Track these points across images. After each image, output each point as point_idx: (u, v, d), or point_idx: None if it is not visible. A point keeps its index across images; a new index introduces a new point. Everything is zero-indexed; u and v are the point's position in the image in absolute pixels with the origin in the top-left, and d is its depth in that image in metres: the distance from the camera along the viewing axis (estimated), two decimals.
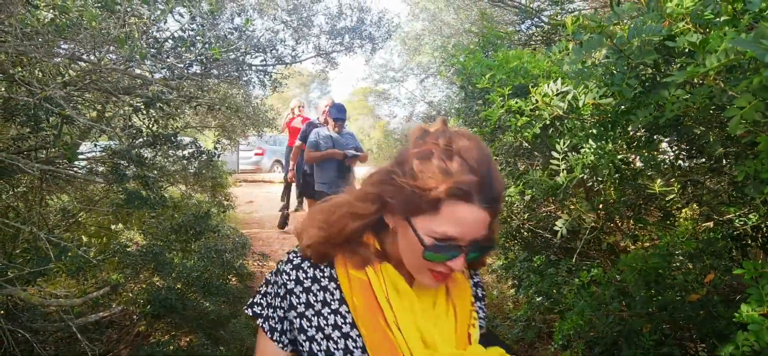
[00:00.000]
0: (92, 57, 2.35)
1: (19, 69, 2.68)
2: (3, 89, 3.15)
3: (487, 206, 0.91)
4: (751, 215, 1.98)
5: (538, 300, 2.73)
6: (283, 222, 7.85)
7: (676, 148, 2.25)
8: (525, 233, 3.39)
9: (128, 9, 2.13)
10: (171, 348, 3.60)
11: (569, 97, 1.88)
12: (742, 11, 1.37)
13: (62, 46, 2.51)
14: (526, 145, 2.67)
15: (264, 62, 4.27)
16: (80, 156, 4.20)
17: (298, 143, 6.55)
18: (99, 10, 2.21)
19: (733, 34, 1.12)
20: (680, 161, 2.25)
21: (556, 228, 2.45)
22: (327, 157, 5.36)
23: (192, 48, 2.66)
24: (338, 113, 5.48)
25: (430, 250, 0.92)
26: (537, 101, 1.93)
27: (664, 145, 2.40)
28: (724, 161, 2.08)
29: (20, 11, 2.13)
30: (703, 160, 2.14)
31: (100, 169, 4.18)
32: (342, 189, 1.09)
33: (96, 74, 2.40)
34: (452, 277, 1.04)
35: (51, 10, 2.32)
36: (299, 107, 8.93)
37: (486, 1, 5.41)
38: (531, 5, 4.29)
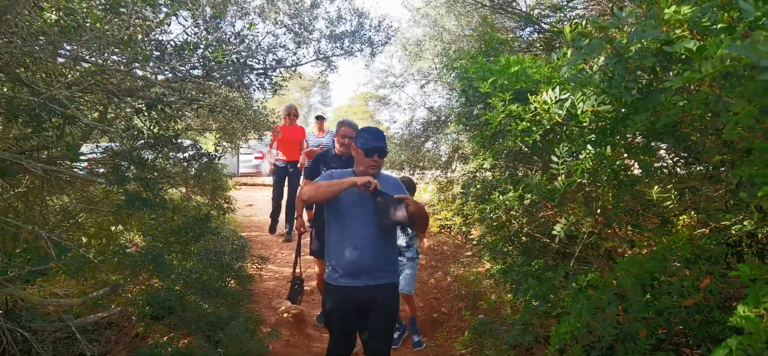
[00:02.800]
0: (98, 59, 2.38)
1: (23, 70, 2.70)
2: (6, 89, 3.17)
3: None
4: (746, 222, 2.00)
5: (535, 304, 2.74)
6: (295, 294, 4.79)
7: (673, 155, 2.27)
8: (523, 239, 3.41)
9: (133, 10, 2.16)
10: (169, 349, 3.61)
11: (567, 104, 1.90)
12: (738, 20, 1.40)
13: (67, 48, 2.54)
14: (526, 150, 2.70)
15: (265, 66, 4.30)
16: (81, 157, 4.22)
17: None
18: (103, 13, 2.23)
19: (729, 42, 1.15)
20: (678, 168, 2.27)
21: (554, 233, 2.48)
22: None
23: (195, 51, 2.68)
24: (368, 141, 2.90)
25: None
26: (536, 108, 1.96)
27: (662, 153, 2.42)
28: (721, 169, 2.11)
29: (26, 13, 2.15)
30: (700, 167, 2.16)
31: (101, 170, 4.19)
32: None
33: (100, 75, 2.42)
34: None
35: (56, 12, 2.35)
36: (288, 115, 7.35)
37: (487, 7, 5.44)
38: (532, 12, 4.33)
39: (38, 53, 2.31)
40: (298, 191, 4.71)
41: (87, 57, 2.36)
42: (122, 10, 2.13)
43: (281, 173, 7.58)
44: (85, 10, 2.03)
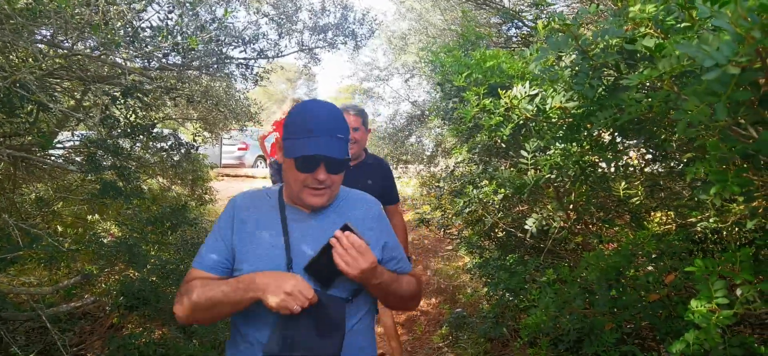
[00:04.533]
0: (71, 43, 2.33)
1: None
2: None
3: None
4: (711, 219, 2.03)
5: (507, 297, 2.76)
6: None
7: (644, 152, 2.30)
8: (500, 233, 3.44)
9: None
10: (144, 340, 3.58)
11: (537, 100, 1.92)
12: (700, 19, 1.41)
13: (42, 32, 2.49)
14: (502, 144, 2.71)
15: (245, 55, 4.26)
16: (58, 145, 4.15)
17: None
18: None
19: (681, 41, 1.16)
20: (644, 166, 2.29)
21: (525, 227, 2.50)
22: None
23: (169, 37, 2.65)
24: (302, 138, 1.43)
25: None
26: (506, 103, 1.97)
27: (631, 151, 2.45)
28: (684, 166, 2.14)
29: None
30: (664, 164, 2.19)
31: (77, 158, 4.13)
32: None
33: (68, 60, 2.38)
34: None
35: None
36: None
37: (472, 2, 5.45)
38: (516, 8, 4.34)
39: (6, 37, 2.26)
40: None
41: (61, 42, 2.31)
42: None
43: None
44: None
